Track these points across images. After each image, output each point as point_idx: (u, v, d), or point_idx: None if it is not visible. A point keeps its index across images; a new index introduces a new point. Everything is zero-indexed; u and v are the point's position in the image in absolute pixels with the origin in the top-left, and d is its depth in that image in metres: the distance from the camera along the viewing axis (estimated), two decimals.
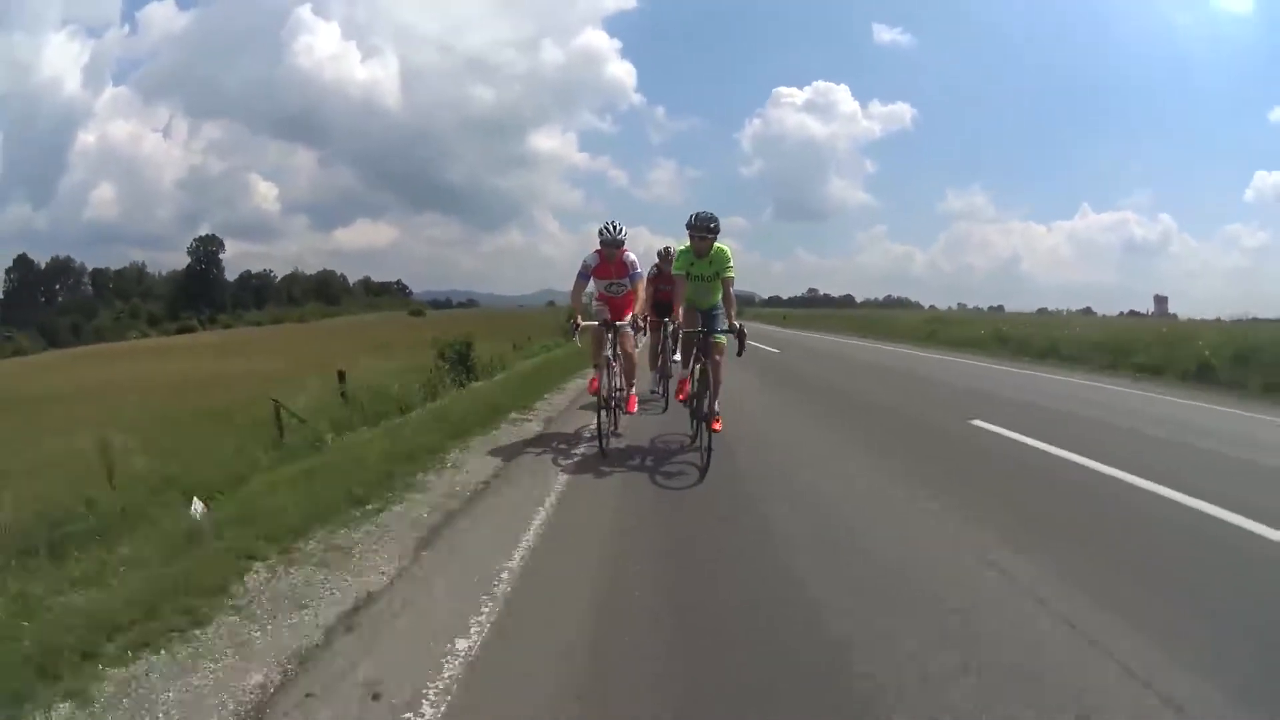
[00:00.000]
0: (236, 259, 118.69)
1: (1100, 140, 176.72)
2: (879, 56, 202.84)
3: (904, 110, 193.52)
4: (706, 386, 4.63)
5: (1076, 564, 2.95)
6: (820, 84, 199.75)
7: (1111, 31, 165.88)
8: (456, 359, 8.86)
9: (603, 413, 4.94)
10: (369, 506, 3.71)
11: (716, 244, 4.76)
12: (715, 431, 4.47)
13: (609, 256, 5.18)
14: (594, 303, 5.55)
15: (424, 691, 2.06)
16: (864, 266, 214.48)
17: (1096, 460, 4.66)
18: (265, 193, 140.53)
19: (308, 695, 2.06)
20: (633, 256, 5.29)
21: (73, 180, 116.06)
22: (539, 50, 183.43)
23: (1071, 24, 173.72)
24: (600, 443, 4.92)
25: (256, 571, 2.90)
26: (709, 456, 4.40)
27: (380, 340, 22.24)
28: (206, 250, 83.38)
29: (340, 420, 6.10)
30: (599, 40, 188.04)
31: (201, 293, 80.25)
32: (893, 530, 3.43)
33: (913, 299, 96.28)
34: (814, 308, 79.11)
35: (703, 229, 4.66)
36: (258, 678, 2.14)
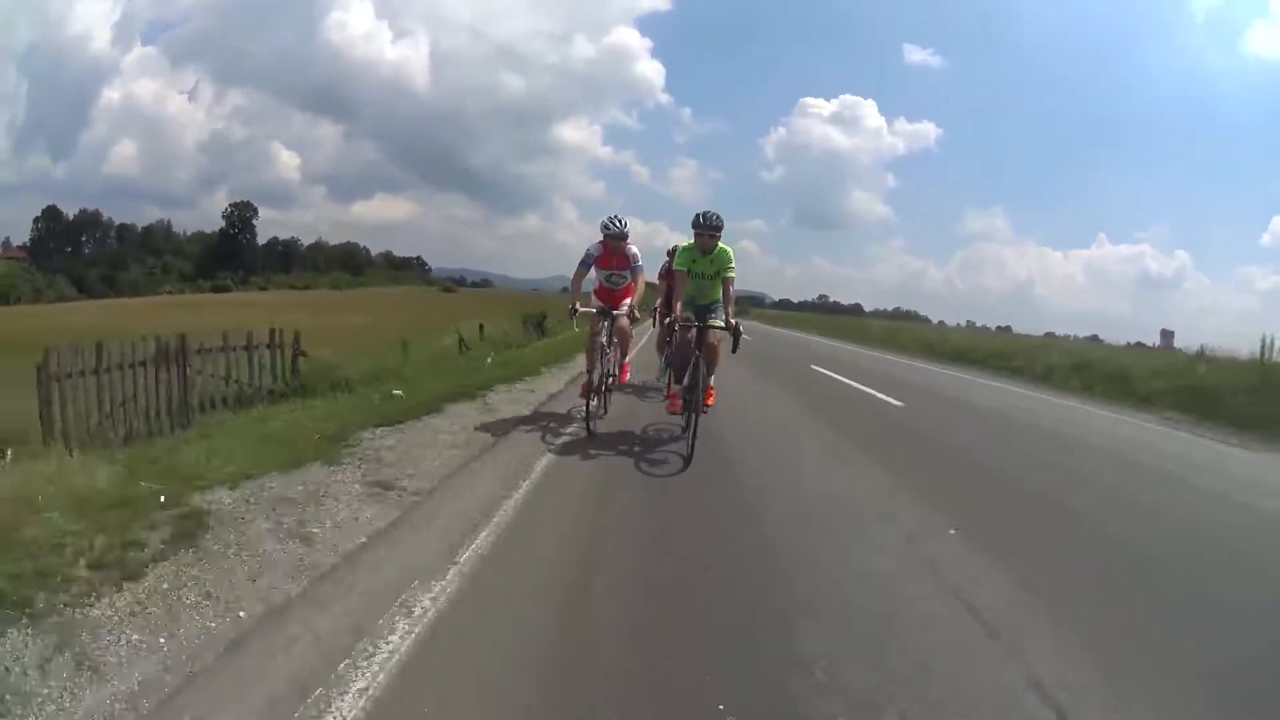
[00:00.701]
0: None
1: (1122, 173, 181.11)
2: (908, 76, 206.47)
3: (929, 129, 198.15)
4: (698, 379, 4.76)
5: (892, 459, 5.24)
6: (847, 97, 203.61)
7: (1141, 66, 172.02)
8: (535, 323, 13.86)
9: (592, 399, 5.20)
10: (528, 377, 8.57)
11: (720, 244, 4.97)
12: (708, 406, 4.91)
13: (613, 249, 5.38)
14: (592, 295, 5.71)
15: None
16: (878, 278, 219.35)
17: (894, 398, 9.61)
18: (287, 161, 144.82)
19: (544, 414, 6.95)
20: (634, 250, 5.46)
21: (94, 136, 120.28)
22: (570, 44, 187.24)
23: (1102, 56, 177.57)
24: (588, 424, 5.17)
25: (498, 387, 7.76)
26: (694, 441, 4.62)
27: (445, 310, 27.15)
28: (241, 215, 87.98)
29: (485, 350, 11.09)
30: (630, 38, 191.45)
31: (232, 255, 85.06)
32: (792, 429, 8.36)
33: (922, 313, 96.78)
34: (823, 313, 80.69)
35: (710, 228, 4.86)
36: (539, 395, 7.05)
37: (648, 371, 8.20)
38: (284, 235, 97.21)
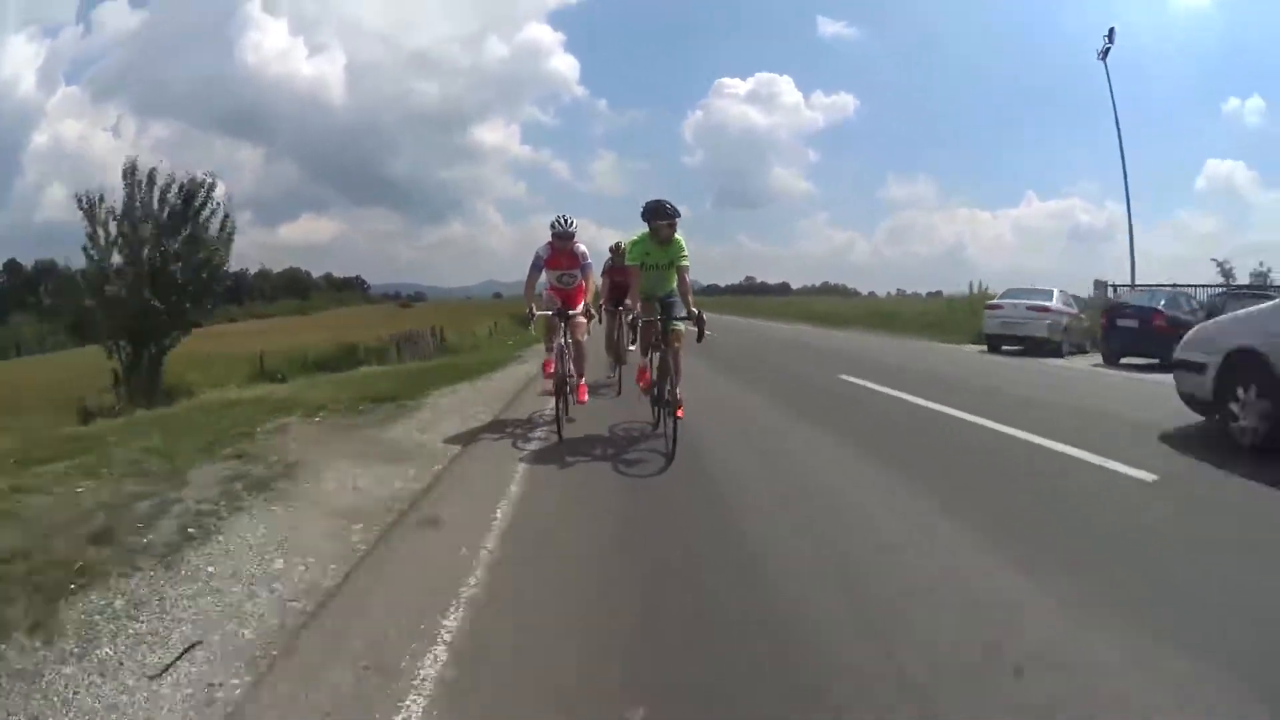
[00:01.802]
0: None
1: (1048, 130, 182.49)
2: (823, 48, 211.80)
3: (847, 101, 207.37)
4: (667, 373, 4.59)
5: (852, 431, 5.43)
6: (763, 75, 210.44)
7: (1059, 22, 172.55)
8: (522, 322, 20.65)
9: (559, 400, 5.08)
10: (517, 353, 15.07)
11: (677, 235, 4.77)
12: (678, 419, 4.43)
13: (560, 248, 5.42)
14: (544, 293, 5.67)
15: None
16: (804, 254, 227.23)
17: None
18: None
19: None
20: (583, 248, 5.56)
21: (25, 182, 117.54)
22: (483, 44, 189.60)
23: (1019, 15, 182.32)
24: (558, 429, 4.92)
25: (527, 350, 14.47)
26: (674, 444, 4.35)
27: (421, 320, 33.17)
28: None
29: (491, 339, 17.84)
30: (543, 34, 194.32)
31: None
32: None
33: (851, 286, 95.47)
34: (751, 295, 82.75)
35: (667, 216, 4.70)
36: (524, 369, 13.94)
37: (597, 370, 7.41)
38: (244, 267, 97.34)
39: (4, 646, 2.04)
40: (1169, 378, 5.47)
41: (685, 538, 3.08)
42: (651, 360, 5.04)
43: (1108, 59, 20.32)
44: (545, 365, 5.73)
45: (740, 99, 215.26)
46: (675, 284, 4.93)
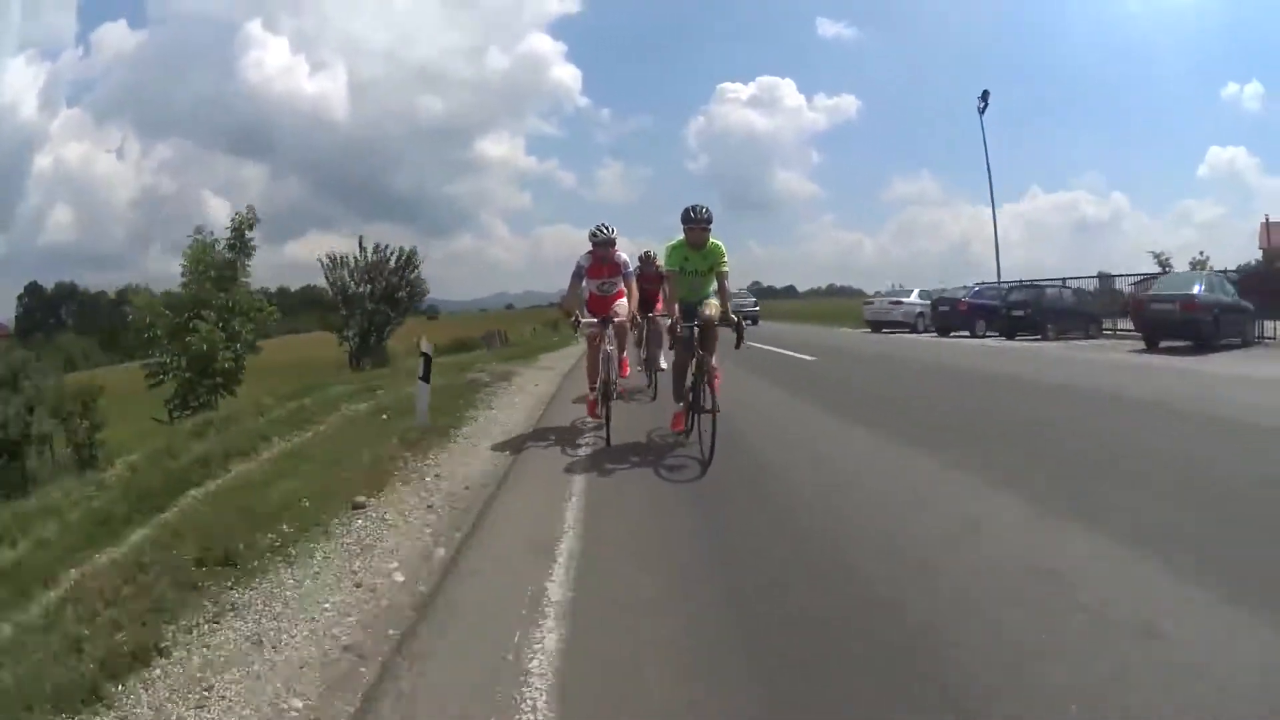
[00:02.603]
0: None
1: (1050, 124, 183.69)
2: (823, 50, 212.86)
3: (849, 102, 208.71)
4: (702, 376, 4.54)
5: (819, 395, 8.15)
6: (765, 79, 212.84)
7: (1059, 17, 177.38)
8: (552, 327, 25.36)
9: (605, 406, 5.14)
10: (564, 348, 19.85)
11: (710, 237, 4.70)
12: (714, 392, 4.43)
13: (602, 257, 5.44)
14: (583, 307, 5.72)
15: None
16: (811, 255, 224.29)
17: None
18: (218, 208, 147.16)
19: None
20: (624, 256, 5.57)
21: (29, 205, 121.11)
22: (485, 57, 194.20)
23: (1015, 10, 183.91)
24: (607, 434, 5.06)
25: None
26: (712, 450, 4.31)
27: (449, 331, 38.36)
28: None
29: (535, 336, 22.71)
30: (544, 45, 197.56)
31: None
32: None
33: (856, 287, 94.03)
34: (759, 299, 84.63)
35: (702, 221, 4.62)
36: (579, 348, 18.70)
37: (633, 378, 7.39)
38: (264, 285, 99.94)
39: (469, 411, 6.85)
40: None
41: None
42: (682, 367, 4.82)
43: (984, 115, 24.93)
44: (589, 404, 5.75)
45: (742, 103, 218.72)
46: (713, 289, 4.83)
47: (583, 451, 5.01)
